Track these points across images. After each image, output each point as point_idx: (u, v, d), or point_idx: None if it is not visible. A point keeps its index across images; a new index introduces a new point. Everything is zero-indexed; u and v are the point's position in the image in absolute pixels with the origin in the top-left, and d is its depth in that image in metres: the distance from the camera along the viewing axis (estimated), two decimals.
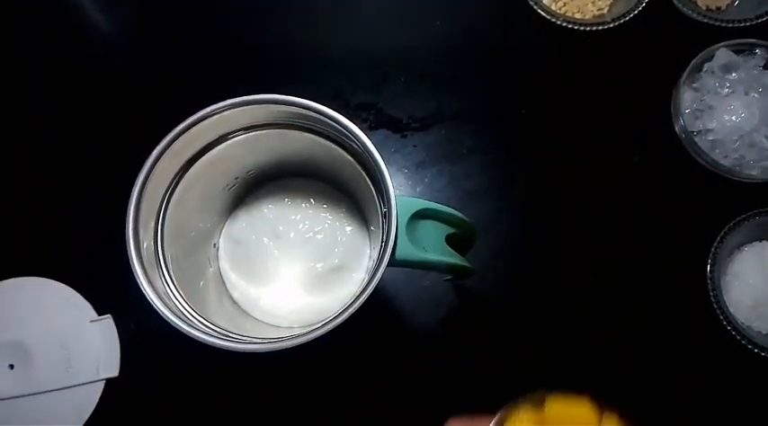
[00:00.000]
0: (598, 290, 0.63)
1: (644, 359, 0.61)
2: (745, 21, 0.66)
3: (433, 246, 0.48)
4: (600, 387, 0.59)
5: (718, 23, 0.67)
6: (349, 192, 0.57)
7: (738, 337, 0.57)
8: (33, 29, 0.72)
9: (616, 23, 0.67)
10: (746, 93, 0.63)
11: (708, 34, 0.65)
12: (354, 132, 0.47)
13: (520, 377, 0.60)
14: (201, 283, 0.53)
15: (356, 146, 0.48)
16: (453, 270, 0.51)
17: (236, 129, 0.51)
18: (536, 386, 0.60)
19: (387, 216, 0.45)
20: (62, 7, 0.73)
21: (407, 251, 0.45)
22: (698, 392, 0.60)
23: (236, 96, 0.48)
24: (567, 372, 0.60)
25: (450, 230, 0.50)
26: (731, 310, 0.59)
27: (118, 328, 0.60)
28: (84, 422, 0.57)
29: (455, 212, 0.49)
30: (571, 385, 0.59)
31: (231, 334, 0.47)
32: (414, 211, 0.46)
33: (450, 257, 0.49)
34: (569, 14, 0.71)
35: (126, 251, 0.45)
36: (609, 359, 0.61)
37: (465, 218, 0.50)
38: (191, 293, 0.49)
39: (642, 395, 0.59)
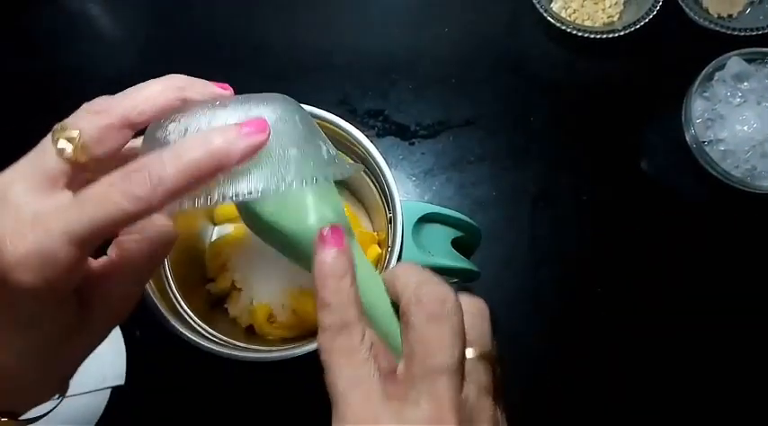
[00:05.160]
0: (604, 298, 0.62)
1: (649, 363, 0.60)
2: (758, 29, 0.66)
3: (438, 250, 0.48)
4: (605, 392, 0.59)
5: (729, 32, 0.66)
6: (354, 196, 0.57)
7: None
8: (41, 32, 0.73)
9: (626, 31, 0.66)
10: (759, 103, 0.63)
11: (719, 42, 0.65)
12: (358, 139, 0.47)
13: (525, 382, 0.59)
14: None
15: (361, 153, 0.48)
16: (460, 273, 0.51)
17: None
18: (540, 390, 0.60)
19: (392, 221, 0.45)
20: (70, 11, 0.73)
21: (414, 255, 0.45)
22: None
23: None
24: (571, 378, 0.60)
25: (456, 233, 0.49)
26: None
27: (124, 336, 0.59)
28: None
29: (460, 215, 0.49)
30: (576, 390, 0.59)
31: (235, 343, 0.47)
32: (419, 216, 0.46)
33: (457, 260, 0.49)
34: (579, 22, 0.70)
35: None
36: (613, 363, 0.60)
37: (470, 221, 0.50)
38: (193, 302, 0.49)
39: (653, 404, 0.59)
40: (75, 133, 0.29)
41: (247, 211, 0.34)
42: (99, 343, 0.32)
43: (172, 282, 0.48)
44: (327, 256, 0.31)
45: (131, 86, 0.31)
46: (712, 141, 0.63)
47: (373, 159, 0.47)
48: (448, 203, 0.65)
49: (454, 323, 0.30)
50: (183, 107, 0.31)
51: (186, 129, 0.29)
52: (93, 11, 0.74)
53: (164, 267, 0.48)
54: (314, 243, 0.31)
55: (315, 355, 0.42)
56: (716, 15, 0.70)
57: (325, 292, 0.30)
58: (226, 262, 0.51)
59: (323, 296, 0.30)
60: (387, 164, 0.47)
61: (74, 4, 0.74)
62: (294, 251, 0.33)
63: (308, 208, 0.33)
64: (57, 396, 0.34)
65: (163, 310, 0.44)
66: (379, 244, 0.51)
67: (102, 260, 0.31)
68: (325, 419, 0.60)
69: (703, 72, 0.63)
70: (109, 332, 0.32)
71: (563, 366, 0.60)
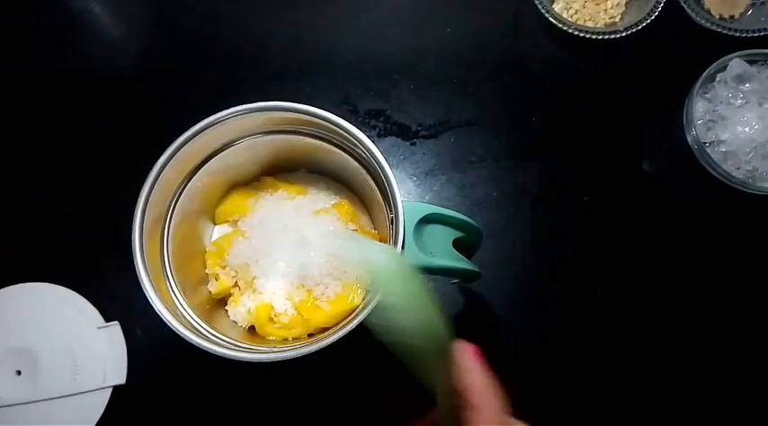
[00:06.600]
0: (605, 298, 0.62)
1: (650, 364, 0.60)
2: (760, 30, 0.66)
3: (440, 251, 0.48)
4: (606, 392, 0.59)
5: (731, 33, 0.66)
6: (356, 195, 0.57)
7: None
8: (43, 32, 0.73)
9: (628, 32, 0.66)
10: (760, 105, 0.63)
11: (721, 44, 0.65)
12: (360, 139, 0.47)
13: (526, 383, 0.59)
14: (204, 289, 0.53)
15: (362, 153, 0.48)
16: (461, 274, 0.51)
17: (242, 137, 0.51)
18: (540, 391, 0.60)
19: (394, 222, 0.45)
20: (72, 11, 0.74)
21: (415, 256, 0.45)
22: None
23: (243, 102, 0.48)
24: (572, 378, 0.60)
25: (457, 234, 0.49)
26: None
27: (125, 335, 0.60)
28: None
29: (461, 216, 0.49)
30: (576, 391, 0.59)
31: (236, 343, 0.47)
32: (420, 216, 0.46)
33: (458, 261, 0.49)
34: (581, 22, 0.70)
35: (132, 258, 0.45)
36: (614, 363, 0.60)
37: (471, 222, 0.50)
38: (195, 301, 0.49)
39: (654, 405, 0.59)
40: None
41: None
42: None
43: (173, 281, 0.48)
44: (475, 366, 0.37)
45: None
46: (713, 142, 0.63)
47: (375, 159, 0.47)
48: (449, 203, 0.65)
49: None
50: None
51: None
52: (94, 10, 0.74)
53: (165, 266, 0.48)
54: (456, 353, 0.37)
55: (316, 356, 0.42)
56: (718, 16, 0.70)
57: (478, 400, 0.36)
58: (226, 262, 0.51)
59: (477, 403, 0.36)
60: (388, 164, 0.47)
61: (75, 3, 0.74)
62: (412, 351, 0.37)
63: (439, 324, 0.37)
64: None
65: (162, 310, 0.44)
66: None
67: None
68: (325, 419, 0.60)
69: (705, 73, 0.62)
70: None
71: (563, 366, 0.60)
